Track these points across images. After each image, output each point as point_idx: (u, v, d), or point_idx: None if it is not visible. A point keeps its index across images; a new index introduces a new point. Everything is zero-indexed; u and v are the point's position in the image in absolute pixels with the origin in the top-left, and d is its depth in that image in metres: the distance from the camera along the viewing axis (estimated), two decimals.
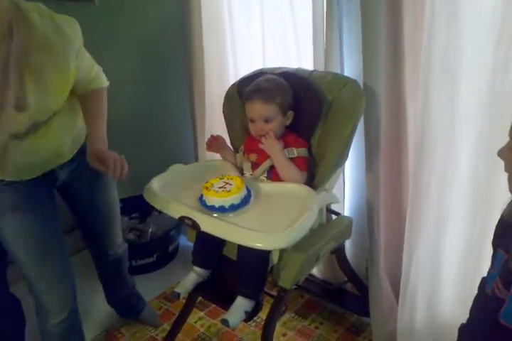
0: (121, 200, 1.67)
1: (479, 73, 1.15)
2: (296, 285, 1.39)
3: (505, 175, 0.78)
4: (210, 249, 1.46)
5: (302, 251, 1.33)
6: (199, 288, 1.44)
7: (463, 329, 0.98)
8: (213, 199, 1.28)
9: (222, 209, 1.27)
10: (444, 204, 1.31)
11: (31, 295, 1.41)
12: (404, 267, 1.45)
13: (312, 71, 1.52)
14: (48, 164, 1.35)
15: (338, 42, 1.48)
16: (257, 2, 1.71)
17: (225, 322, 1.30)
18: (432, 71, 1.21)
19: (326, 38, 1.49)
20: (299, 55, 1.69)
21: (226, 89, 1.64)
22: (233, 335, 1.82)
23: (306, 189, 1.35)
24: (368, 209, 1.53)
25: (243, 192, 1.30)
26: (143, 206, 1.96)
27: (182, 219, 1.28)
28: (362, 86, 1.40)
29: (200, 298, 1.69)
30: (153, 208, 1.80)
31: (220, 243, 1.43)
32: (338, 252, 1.60)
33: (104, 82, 1.43)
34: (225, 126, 1.64)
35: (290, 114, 1.42)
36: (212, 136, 1.56)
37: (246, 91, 1.43)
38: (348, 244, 1.72)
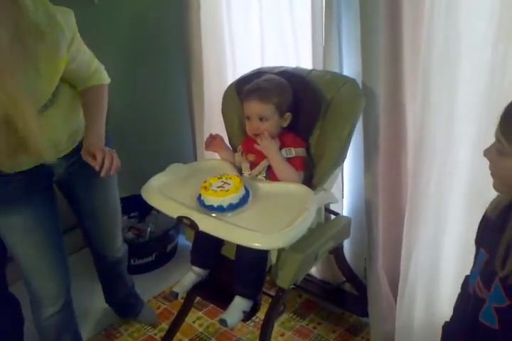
0: (121, 199, 1.66)
1: (478, 72, 1.15)
2: (294, 285, 1.39)
3: None
4: (208, 249, 1.45)
5: (300, 251, 1.33)
6: (197, 288, 1.44)
7: (446, 327, 0.98)
8: (211, 199, 1.28)
9: (220, 209, 1.27)
10: (443, 202, 1.31)
11: (26, 287, 1.41)
12: (403, 266, 1.45)
13: (311, 70, 1.52)
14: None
15: (337, 41, 1.48)
16: (255, 0, 1.71)
17: (223, 322, 1.29)
18: (431, 70, 1.21)
19: (325, 37, 1.48)
20: (298, 54, 1.68)
21: (225, 88, 1.64)
22: (232, 335, 1.82)
23: (304, 189, 1.35)
24: (367, 208, 1.52)
25: (241, 192, 1.30)
26: (142, 205, 1.96)
27: (180, 218, 1.27)
28: (361, 85, 1.40)
29: (198, 298, 1.69)
30: (152, 207, 1.82)
31: (218, 242, 1.43)
32: (337, 252, 1.60)
33: (105, 79, 1.42)
34: (223, 126, 1.64)
35: (288, 115, 1.42)
36: (210, 135, 1.55)
37: (245, 90, 1.43)
38: (346, 244, 1.72)
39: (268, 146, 1.38)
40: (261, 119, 1.39)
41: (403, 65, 1.37)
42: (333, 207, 1.65)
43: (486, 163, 0.83)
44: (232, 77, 1.87)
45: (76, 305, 1.52)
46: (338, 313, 1.87)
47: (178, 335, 1.74)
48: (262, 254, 1.32)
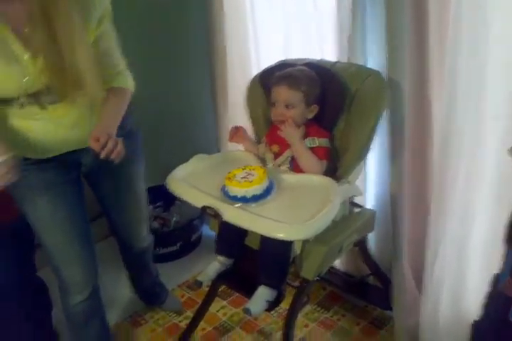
0: (146, 189, 1.68)
1: (506, 68, 1.12)
2: (318, 276, 1.39)
3: None
4: (232, 239, 1.47)
5: (325, 243, 1.33)
6: (222, 277, 1.46)
7: (476, 325, 0.96)
8: (235, 190, 1.29)
9: (244, 200, 1.28)
10: (470, 197, 1.29)
11: (54, 274, 1.44)
12: (429, 260, 1.43)
13: (335, 62, 1.51)
14: (70, 143, 1.34)
15: (362, 33, 1.46)
16: None
17: (247, 310, 1.31)
18: (459, 63, 1.18)
19: (351, 29, 1.46)
20: (322, 47, 1.66)
21: (247, 78, 1.64)
22: (255, 324, 1.84)
23: (328, 181, 1.34)
24: (392, 201, 1.51)
25: (265, 183, 1.30)
26: (167, 195, 1.99)
27: (204, 208, 1.29)
28: (386, 78, 1.38)
29: (222, 287, 1.71)
30: (176, 197, 1.84)
31: (242, 233, 1.44)
32: (361, 245, 1.59)
33: (130, 85, 1.39)
34: (246, 119, 1.64)
35: (314, 107, 1.42)
36: (234, 127, 1.56)
37: (275, 76, 1.43)
38: (371, 237, 1.71)
39: (291, 133, 1.38)
40: (287, 106, 1.39)
41: (429, 59, 1.35)
42: (356, 199, 1.63)
43: None
44: (256, 70, 1.86)
45: (102, 293, 1.55)
46: (361, 306, 1.87)
47: (202, 324, 1.77)
48: (286, 245, 1.32)
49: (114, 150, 1.21)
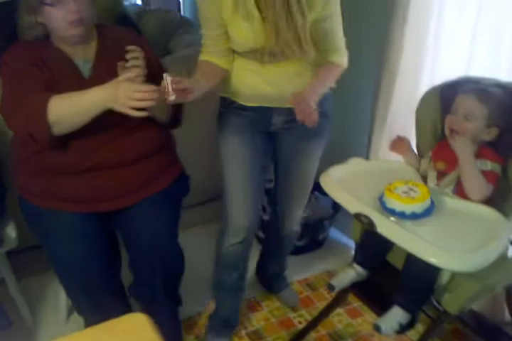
0: None
1: None
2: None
3: None
4: (374, 251, 1.43)
5: (480, 280, 1.23)
6: (355, 286, 1.43)
7: None
8: (395, 203, 1.24)
9: (401, 215, 1.23)
10: None
11: (223, 215, 1.61)
12: None
13: None
14: (269, 99, 1.50)
15: None
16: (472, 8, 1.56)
17: (377, 327, 1.27)
18: None
19: None
20: (509, 69, 1.52)
21: (417, 88, 1.58)
22: None
23: (497, 215, 1.23)
24: None
25: (427, 203, 1.24)
26: None
27: (358, 215, 1.26)
28: None
29: None
30: (311, 193, 1.82)
31: (386, 247, 1.40)
32: (511, 289, 1.45)
33: (344, 62, 1.54)
34: (405, 128, 1.59)
35: (494, 130, 1.31)
36: (398, 137, 1.51)
37: (468, 86, 1.35)
38: None
39: (464, 147, 1.29)
40: (466, 117, 1.31)
41: None
42: None
43: None
44: (428, 80, 1.76)
45: None
46: None
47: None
48: (435, 272, 1.25)
49: (311, 116, 1.30)
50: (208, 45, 1.49)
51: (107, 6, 1.70)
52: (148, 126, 1.52)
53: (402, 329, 1.29)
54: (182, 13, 3.62)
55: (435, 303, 1.32)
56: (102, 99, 1.27)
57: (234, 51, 1.48)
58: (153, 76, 1.46)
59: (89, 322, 1.61)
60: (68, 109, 1.30)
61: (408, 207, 1.22)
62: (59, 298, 1.85)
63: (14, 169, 1.53)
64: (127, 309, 1.64)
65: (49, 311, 1.92)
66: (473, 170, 1.28)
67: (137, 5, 3.69)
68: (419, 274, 1.27)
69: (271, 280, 2.00)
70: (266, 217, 2.06)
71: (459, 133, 1.31)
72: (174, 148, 1.68)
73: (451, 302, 1.26)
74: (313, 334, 1.77)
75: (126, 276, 1.62)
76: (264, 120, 1.56)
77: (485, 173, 1.29)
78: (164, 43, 2.65)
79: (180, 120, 1.62)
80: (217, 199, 1.88)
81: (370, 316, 1.85)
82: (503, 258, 1.33)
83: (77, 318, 1.69)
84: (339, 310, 1.90)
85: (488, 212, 1.25)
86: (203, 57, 1.50)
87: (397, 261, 1.38)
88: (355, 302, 1.91)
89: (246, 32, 1.39)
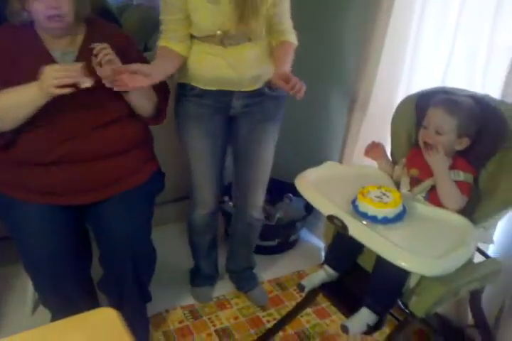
0: None
1: None
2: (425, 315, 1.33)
3: None
4: (345, 253, 1.46)
5: (445, 284, 1.26)
6: (325, 287, 1.45)
7: None
8: (367, 207, 1.26)
9: (373, 219, 1.26)
10: None
11: (190, 192, 1.81)
12: None
13: (501, 101, 1.42)
14: (229, 82, 1.55)
15: None
16: (455, 8, 1.59)
17: (345, 328, 1.29)
18: None
19: None
20: (485, 81, 1.57)
21: (393, 96, 1.62)
22: None
23: (466, 222, 1.28)
24: None
25: (399, 208, 1.27)
26: (276, 190, 2.03)
27: (331, 218, 1.28)
28: None
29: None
30: (285, 194, 1.85)
31: (356, 250, 1.43)
32: (476, 295, 1.49)
33: (295, 41, 1.62)
34: (380, 134, 1.62)
35: (465, 140, 1.35)
36: (373, 143, 1.54)
37: (438, 97, 1.39)
38: None
39: (439, 161, 1.33)
40: (437, 132, 1.34)
41: None
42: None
43: None
44: (403, 90, 1.80)
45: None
46: None
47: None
48: (404, 275, 1.28)
49: (301, 89, 1.40)
50: (167, 31, 1.53)
51: None
52: (127, 121, 1.52)
53: (369, 330, 1.31)
54: None
55: (402, 306, 1.36)
56: (34, 89, 1.30)
57: (192, 37, 1.53)
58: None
59: (56, 316, 1.59)
60: (5, 103, 1.33)
61: (380, 212, 1.25)
62: (26, 290, 1.82)
63: None
64: (95, 303, 1.63)
65: (15, 303, 1.89)
66: (448, 184, 1.32)
67: None
68: (389, 277, 1.30)
69: (241, 278, 2.02)
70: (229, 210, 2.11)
71: (433, 146, 1.34)
72: (151, 145, 1.68)
73: (418, 305, 1.29)
74: (281, 334, 1.79)
75: (97, 271, 1.61)
76: (224, 104, 1.60)
77: (458, 184, 1.32)
78: (144, 40, 2.63)
79: (164, 116, 1.63)
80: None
81: (338, 317, 1.88)
82: (468, 263, 1.37)
83: (43, 311, 1.67)
84: (308, 310, 1.92)
85: (458, 220, 1.29)
86: (162, 42, 1.54)
87: (367, 264, 1.41)
88: (323, 302, 1.94)
89: (212, 15, 1.45)
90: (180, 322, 1.87)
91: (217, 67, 1.53)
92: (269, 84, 1.59)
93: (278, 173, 2.02)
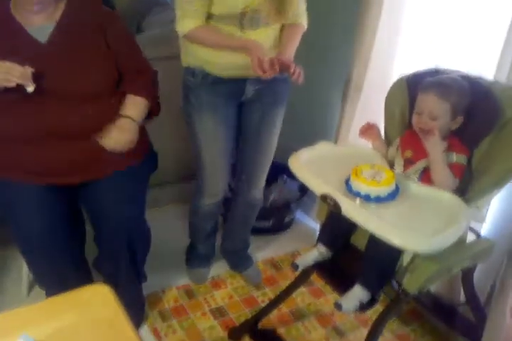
0: None
1: None
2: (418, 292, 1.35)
3: None
4: (338, 232, 1.46)
5: (437, 261, 1.28)
6: (318, 266, 1.47)
7: None
8: (361, 186, 1.26)
9: (366, 198, 1.26)
10: None
11: (198, 180, 1.79)
12: None
13: (494, 82, 1.41)
14: (244, 67, 1.49)
15: None
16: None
17: (338, 305, 1.31)
18: None
19: None
20: (477, 61, 1.57)
21: (388, 76, 1.62)
22: (331, 320, 1.84)
23: (458, 201, 1.28)
24: None
25: (392, 187, 1.27)
26: (271, 171, 2.03)
27: (324, 197, 1.28)
28: None
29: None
30: (279, 175, 1.85)
31: (350, 229, 1.43)
32: (468, 273, 1.51)
33: (305, 24, 1.61)
34: (375, 115, 1.60)
35: (460, 119, 1.35)
36: (368, 123, 1.53)
37: (425, 82, 1.37)
38: None
39: (435, 146, 1.32)
40: (431, 118, 1.33)
41: None
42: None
43: None
44: (397, 70, 1.80)
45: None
46: (442, 331, 1.79)
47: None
48: (396, 253, 1.29)
49: (300, 74, 1.41)
50: (188, 11, 1.45)
51: None
52: (113, 100, 1.51)
53: (363, 308, 1.33)
54: None
55: (395, 284, 1.37)
56: None
57: (207, 19, 1.49)
58: (121, 55, 1.48)
59: (51, 295, 1.60)
60: None
61: (373, 191, 1.25)
62: (21, 271, 1.83)
63: None
64: (89, 282, 1.64)
65: (10, 285, 1.90)
66: (442, 168, 1.32)
67: None
68: (381, 255, 1.31)
69: (236, 257, 2.03)
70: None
71: (429, 131, 1.33)
72: (142, 126, 1.66)
73: (411, 283, 1.30)
74: (276, 312, 1.81)
75: (92, 250, 1.62)
76: (238, 91, 1.60)
77: (451, 166, 1.33)
78: (138, 21, 2.59)
79: (159, 110, 1.64)
80: (192, 178, 1.92)
81: (332, 296, 1.90)
82: (461, 242, 1.38)
83: (38, 292, 1.68)
84: (303, 290, 1.94)
85: (451, 199, 1.29)
86: (192, 24, 1.46)
87: (360, 243, 1.41)
88: (318, 282, 1.96)
89: None
90: (175, 302, 1.89)
91: (232, 52, 1.49)
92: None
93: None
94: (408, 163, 1.42)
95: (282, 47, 1.54)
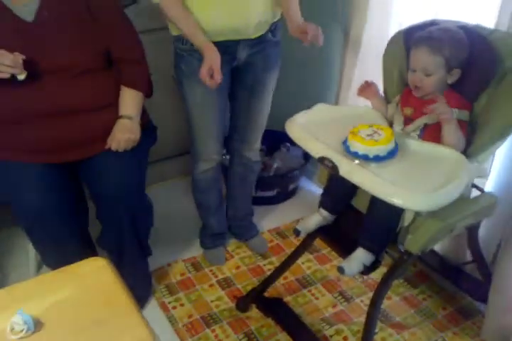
0: None
1: None
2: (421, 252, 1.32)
3: None
4: (339, 195, 1.43)
5: (440, 219, 1.24)
6: (321, 231, 1.44)
7: None
8: (358, 146, 1.22)
9: (365, 158, 1.21)
10: None
11: (191, 145, 1.75)
12: None
13: (494, 30, 1.33)
14: (234, 30, 1.48)
15: None
16: None
17: (340, 269, 1.29)
18: None
19: None
20: (478, 11, 1.49)
21: (386, 36, 1.52)
22: (337, 285, 1.83)
23: (458, 156, 1.23)
24: None
25: (391, 145, 1.23)
26: (272, 140, 1.99)
27: (322, 159, 1.24)
28: None
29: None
30: (281, 144, 1.82)
31: (351, 191, 1.40)
32: (473, 230, 1.48)
33: None
34: (375, 74, 1.55)
35: (456, 72, 1.28)
36: (366, 82, 1.47)
37: (415, 36, 1.31)
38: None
39: (445, 112, 1.23)
40: (425, 74, 1.28)
41: None
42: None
43: None
44: (395, 25, 1.72)
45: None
46: (450, 291, 1.78)
47: (285, 272, 1.77)
48: (398, 213, 1.26)
49: (320, 36, 1.40)
50: None
51: None
52: (105, 74, 1.50)
53: (366, 270, 1.31)
54: None
55: (398, 245, 1.34)
56: None
57: None
58: (108, 26, 1.45)
59: None
60: None
61: (371, 150, 1.21)
62: (28, 252, 1.83)
63: None
64: None
65: (18, 266, 1.91)
66: (454, 130, 1.25)
67: None
68: (382, 216, 1.27)
69: (241, 227, 2.02)
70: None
71: (424, 88, 1.29)
72: None
73: (413, 242, 1.27)
74: (282, 280, 1.80)
75: (96, 228, 1.61)
76: (230, 55, 1.55)
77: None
78: None
79: (151, 89, 1.64)
80: None
81: (337, 262, 1.87)
82: (463, 199, 1.35)
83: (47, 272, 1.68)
84: (309, 257, 1.93)
85: (451, 154, 1.24)
86: None
87: (361, 205, 1.38)
88: (324, 249, 1.95)
89: None
90: (182, 275, 1.89)
91: (221, 17, 1.46)
92: (273, 29, 1.57)
93: (274, 123, 1.97)
94: (408, 120, 1.37)
95: (289, 14, 1.51)
